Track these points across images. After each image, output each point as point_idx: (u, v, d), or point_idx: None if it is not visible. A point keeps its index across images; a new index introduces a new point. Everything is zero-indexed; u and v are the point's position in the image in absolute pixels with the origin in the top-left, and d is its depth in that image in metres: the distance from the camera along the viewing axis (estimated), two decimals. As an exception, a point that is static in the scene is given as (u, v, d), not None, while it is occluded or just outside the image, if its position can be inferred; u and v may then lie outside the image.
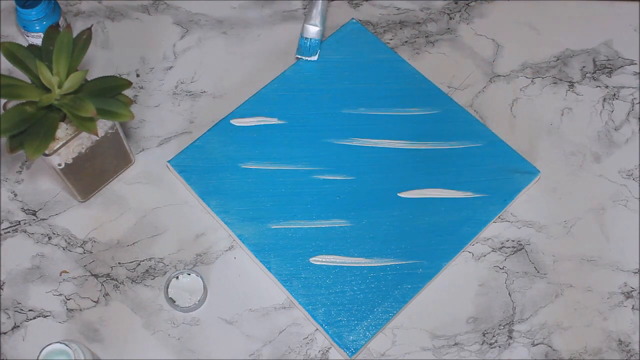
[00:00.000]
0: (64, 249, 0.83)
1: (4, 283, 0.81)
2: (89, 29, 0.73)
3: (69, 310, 0.80)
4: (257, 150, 0.86)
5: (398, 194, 0.83)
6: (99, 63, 0.93)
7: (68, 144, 0.74)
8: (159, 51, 0.94)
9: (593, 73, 0.93)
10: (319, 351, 0.78)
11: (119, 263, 0.82)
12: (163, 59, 0.94)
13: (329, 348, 0.78)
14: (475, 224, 0.82)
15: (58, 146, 0.73)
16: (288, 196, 0.83)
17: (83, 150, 0.76)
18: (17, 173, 0.86)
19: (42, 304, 0.80)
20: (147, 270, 0.81)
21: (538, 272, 0.82)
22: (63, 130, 0.74)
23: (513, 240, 0.83)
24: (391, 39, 0.95)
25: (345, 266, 0.80)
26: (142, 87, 0.92)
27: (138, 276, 0.81)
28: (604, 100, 0.91)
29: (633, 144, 0.89)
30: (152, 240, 0.83)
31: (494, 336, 0.79)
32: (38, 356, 0.68)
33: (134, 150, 0.88)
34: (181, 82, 0.92)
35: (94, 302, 0.80)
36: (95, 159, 0.79)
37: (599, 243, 0.83)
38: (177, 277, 0.79)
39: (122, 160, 0.85)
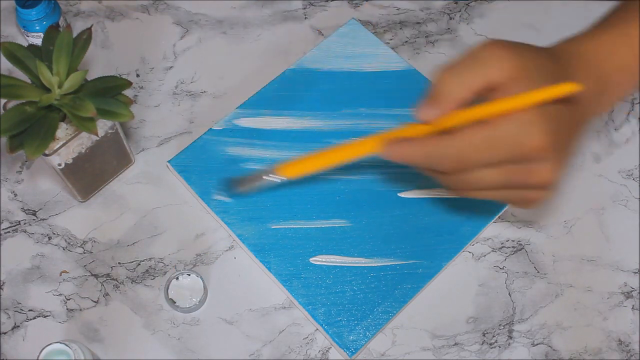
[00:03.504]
0: (64, 249, 0.83)
1: (4, 283, 0.81)
2: (89, 29, 0.73)
3: (69, 310, 0.80)
4: (257, 150, 0.86)
5: (398, 194, 0.83)
6: (99, 63, 0.93)
7: (68, 144, 0.74)
8: (159, 51, 0.94)
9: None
10: (319, 351, 0.78)
11: (119, 263, 0.82)
12: (163, 59, 0.94)
13: (329, 348, 0.78)
14: (475, 224, 0.82)
15: (58, 146, 0.73)
16: (288, 196, 0.83)
17: (83, 150, 0.76)
18: (17, 173, 0.86)
19: (42, 304, 0.80)
20: (147, 270, 0.81)
21: (538, 272, 0.82)
22: (63, 130, 0.74)
23: (513, 240, 0.83)
24: (391, 39, 0.95)
25: (345, 266, 0.80)
26: (142, 87, 0.92)
27: (138, 276, 0.81)
28: (604, 100, 0.91)
29: (633, 144, 0.89)
30: (152, 240, 0.83)
31: (494, 336, 0.79)
32: (38, 356, 0.68)
33: (134, 150, 0.88)
34: (181, 82, 0.92)
35: (94, 302, 0.80)
36: (95, 159, 0.79)
37: (599, 243, 0.83)
38: (177, 278, 0.79)
39: (122, 160, 0.85)
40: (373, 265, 0.80)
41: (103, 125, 0.76)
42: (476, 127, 0.55)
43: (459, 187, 0.60)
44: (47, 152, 0.73)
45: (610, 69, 0.61)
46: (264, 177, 0.74)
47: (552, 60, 0.58)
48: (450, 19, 0.97)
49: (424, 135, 0.59)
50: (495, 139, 0.55)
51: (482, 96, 0.57)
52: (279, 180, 0.73)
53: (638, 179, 0.87)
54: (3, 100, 0.74)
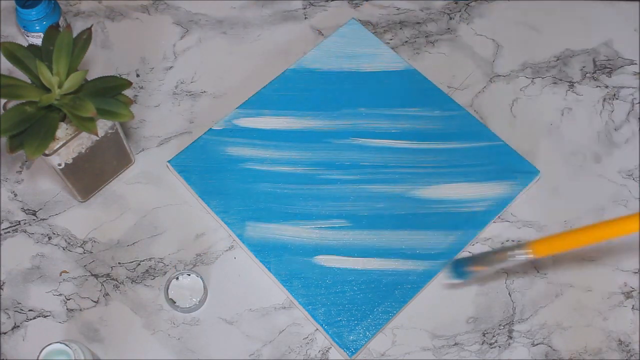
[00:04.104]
0: (64, 249, 0.83)
1: (4, 283, 0.81)
2: (89, 29, 0.73)
3: (69, 310, 0.80)
4: (257, 150, 0.86)
5: (398, 194, 0.83)
6: (99, 63, 0.93)
7: (68, 144, 0.74)
8: (159, 51, 0.94)
9: (593, 73, 0.93)
10: (319, 351, 0.78)
11: (119, 263, 0.82)
12: (163, 59, 0.94)
13: (329, 348, 0.78)
14: (475, 223, 0.82)
15: (58, 146, 0.73)
16: (288, 196, 0.83)
17: (83, 150, 0.76)
18: (17, 173, 0.86)
19: (42, 304, 0.80)
20: (147, 270, 0.81)
21: (538, 272, 0.82)
22: (63, 130, 0.74)
23: (513, 240, 0.83)
24: (391, 39, 0.95)
25: (345, 266, 0.80)
26: (142, 87, 0.92)
27: (138, 276, 0.81)
28: (604, 100, 0.91)
29: (633, 144, 0.89)
30: (152, 240, 0.83)
31: (494, 336, 0.79)
32: (38, 356, 0.68)
33: (134, 150, 0.88)
34: (181, 82, 0.92)
35: (94, 302, 0.80)
36: (95, 159, 0.79)
37: (599, 243, 0.83)
38: (177, 278, 0.79)
39: (122, 160, 0.85)
40: (373, 265, 0.80)
41: (103, 125, 0.76)
42: None
43: None
44: (47, 152, 0.73)
45: None
46: (510, 255, 0.67)
47: None
48: (450, 19, 0.97)
49: None
50: None
51: None
52: (524, 259, 0.67)
53: (638, 179, 0.87)
54: (3, 100, 0.74)
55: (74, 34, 0.72)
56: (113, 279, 0.81)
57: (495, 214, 0.83)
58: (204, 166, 0.85)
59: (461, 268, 0.75)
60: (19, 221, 0.84)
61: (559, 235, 0.65)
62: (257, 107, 0.88)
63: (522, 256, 0.67)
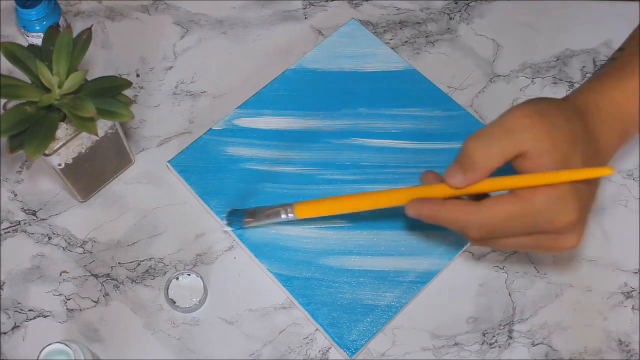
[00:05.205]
0: (64, 249, 0.83)
1: (4, 283, 0.81)
2: (89, 29, 0.73)
3: (69, 310, 0.80)
4: (257, 150, 0.86)
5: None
6: (99, 63, 0.93)
7: (68, 144, 0.74)
8: (159, 51, 0.94)
9: (593, 73, 0.93)
10: (319, 351, 0.78)
11: (119, 263, 0.82)
12: (163, 59, 0.94)
13: (329, 348, 0.78)
14: (475, 224, 0.82)
15: (58, 146, 0.73)
16: (288, 196, 0.83)
17: (83, 150, 0.76)
18: (17, 173, 0.86)
19: (42, 304, 0.80)
20: (147, 270, 0.81)
21: (538, 272, 0.82)
22: (63, 130, 0.74)
23: (513, 240, 0.83)
24: (391, 39, 0.95)
25: (345, 266, 0.80)
26: (142, 87, 0.92)
27: (138, 276, 0.81)
28: (604, 100, 0.91)
29: (633, 144, 0.89)
30: (152, 240, 0.83)
31: (494, 336, 0.79)
32: (38, 356, 0.68)
33: (134, 150, 0.88)
34: (181, 82, 0.92)
35: (94, 302, 0.80)
36: (95, 159, 0.79)
37: (599, 243, 0.83)
38: (177, 278, 0.79)
39: (122, 160, 0.85)
40: (373, 265, 0.80)
41: (103, 125, 0.76)
42: (506, 200, 0.57)
43: (485, 245, 0.62)
44: (47, 152, 0.73)
45: (629, 122, 0.63)
46: (281, 213, 0.74)
47: (580, 124, 0.59)
48: (450, 19, 0.97)
49: (452, 196, 0.60)
50: (525, 214, 0.56)
51: (509, 161, 0.58)
52: (290, 218, 0.74)
53: (638, 179, 0.87)
54: (3, 100, 0.74)
55: (74, 34, 0.72)
56: (113, 279, 0.81)
57: (495, 214, 0.83)
58: (204, 166, 0.85)
59: (237, 217, 0.80)
60: (19, 221, 0.84)
61: (323, 199, 0.70)
62: (257, 107, 0.88)
63: (290, 214, 0.73)
